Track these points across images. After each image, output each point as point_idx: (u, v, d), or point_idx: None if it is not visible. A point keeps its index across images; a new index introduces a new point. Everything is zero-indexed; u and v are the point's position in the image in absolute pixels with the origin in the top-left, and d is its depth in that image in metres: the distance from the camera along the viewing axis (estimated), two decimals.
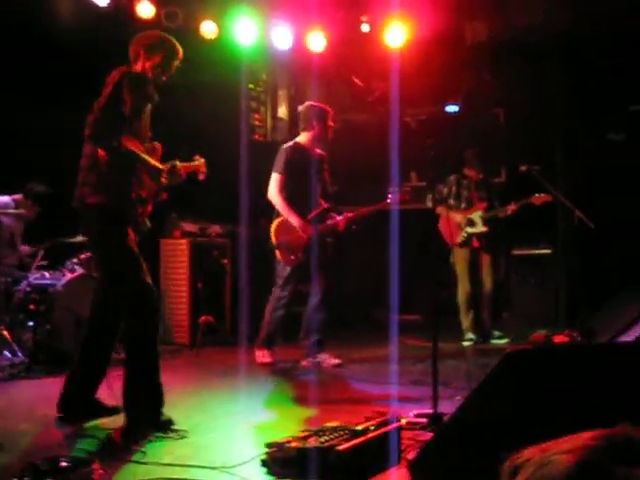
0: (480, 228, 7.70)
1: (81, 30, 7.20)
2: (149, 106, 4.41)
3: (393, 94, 6.79)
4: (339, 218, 6.49)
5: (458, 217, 7.73)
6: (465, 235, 7.71)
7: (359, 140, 9.06)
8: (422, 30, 8.29)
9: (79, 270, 6.71)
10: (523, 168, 7.45)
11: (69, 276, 6.56)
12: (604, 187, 8.62)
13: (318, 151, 6.58)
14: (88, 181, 4.20)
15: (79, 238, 7.01)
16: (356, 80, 9.20)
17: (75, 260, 6.79)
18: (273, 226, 6.40)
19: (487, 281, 7.79)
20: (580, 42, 8.58)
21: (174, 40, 4.50)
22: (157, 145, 4.53)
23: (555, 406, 2.54)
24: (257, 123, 9.79)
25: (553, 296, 8.45)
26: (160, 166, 4.33)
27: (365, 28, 8.50)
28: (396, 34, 8.27)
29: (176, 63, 4.46)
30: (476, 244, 7.74)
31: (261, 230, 7.23)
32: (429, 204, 7.74)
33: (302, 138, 6.55)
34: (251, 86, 9.65)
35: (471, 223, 7.71)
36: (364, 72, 9.47)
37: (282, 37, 8.48)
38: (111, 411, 4.39)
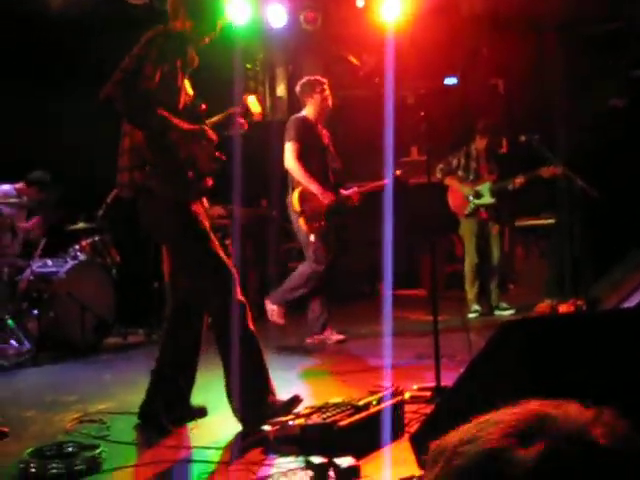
0: (487, 199, 7.66)
1: (70, 12, 7.16)
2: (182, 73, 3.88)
3: (387, 68, 6.72)
4: (348, 192, 6.44)
5: (466, 189, 7.70)
6: (472, 206, 7.68)
7: (358, 116, 9.02)
8: (417, 3, 8.23)
9: (82, 257, 6.73)
10: (523, 138, 7.41)
11: (72, 263, 6.58)
12: (605, 154, 8.56)
13: (321, 127, 6.53)
14: (136, 164, 3.74)
15: (81, 225, 7.04)
16: (351, 58, 9.15)
17: (77, 247, 6.80)
18: (295, 195, 6.22)
19: (494, 252, 7.77)
20: (576, 9, 8.50)
21: None
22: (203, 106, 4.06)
23: (552, 376, 2.54)
24: None
25: (558, 266, 8.42)
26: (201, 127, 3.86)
27: (360, 3, 8.45)
28: (391, 8, 8.21)
29: (221, 23, 3.96)
30: (484, 215, 7.71)
31: (263, 210, 7.20)
32: (438, 175, 7.73)
33: (306, 112, 6.45)
34: (248, 66, 9.58)
35: (478, 195, 7.67)
36: (360, 47, 9.41)
37: (276, 15, 8.44)
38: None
